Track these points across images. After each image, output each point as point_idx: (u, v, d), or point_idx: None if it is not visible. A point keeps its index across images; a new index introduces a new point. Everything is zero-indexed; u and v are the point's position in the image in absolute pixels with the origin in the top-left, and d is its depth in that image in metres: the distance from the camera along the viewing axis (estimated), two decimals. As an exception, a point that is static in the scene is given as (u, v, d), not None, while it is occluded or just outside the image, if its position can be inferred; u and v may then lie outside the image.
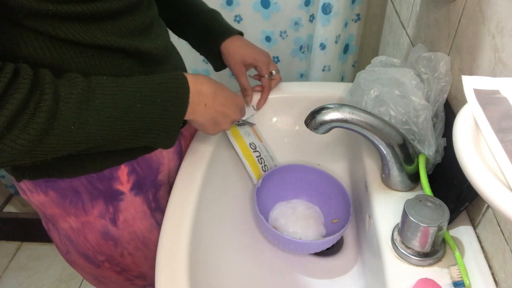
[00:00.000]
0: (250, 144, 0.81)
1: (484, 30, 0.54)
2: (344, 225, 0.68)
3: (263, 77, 0.84)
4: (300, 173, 0.80)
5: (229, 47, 0.80)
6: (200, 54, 0.86)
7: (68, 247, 0.70)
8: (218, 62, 0.84)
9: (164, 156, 0.70)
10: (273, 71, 0.84)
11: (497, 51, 0.51)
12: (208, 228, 0.69)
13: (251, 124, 0.84)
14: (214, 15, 0.82)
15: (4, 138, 0.43)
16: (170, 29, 0.81)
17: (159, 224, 0.72)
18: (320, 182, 0.79)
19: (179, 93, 0.57)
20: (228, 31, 0.80)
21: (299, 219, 0.76)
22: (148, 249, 0.72)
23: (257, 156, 0.81)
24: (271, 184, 0.78)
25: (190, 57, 1.33)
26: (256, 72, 0.86)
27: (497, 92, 0.43)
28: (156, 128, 0.56)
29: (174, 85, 0.57)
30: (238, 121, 0.82)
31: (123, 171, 0.64)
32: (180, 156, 0.75)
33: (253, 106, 0.86)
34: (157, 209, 0.72)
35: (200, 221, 0.66)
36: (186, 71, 0.73)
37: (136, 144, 0.56)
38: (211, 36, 0.80)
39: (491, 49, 0.52)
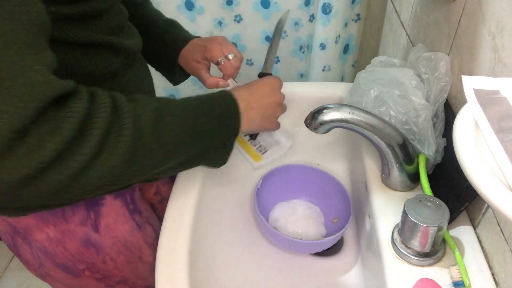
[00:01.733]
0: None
1: (484, 30, 0.54)
2: (344, 225, 0.68)
3: (217, 63, 0.75)
4: (300, 173, 0.80)
5: (183, 54, 0.78)
6: (157, 69, 0.84)
7: (42, 261, 0.67)
8: (177, 75, 0.82)
9: None
10: (229, 55, 0.74)
11: (497, 51, 0.50)
12: (208, 229, 0.69)
13: None
14: (168, 27, 0.80)
15: (95, 161, 0.42)
16: None
17: (139, 226, 0.71)
18: (320, 182, 0.79)
19: (229, 105, 0.59)
20: (183, 41, 0.78)
21: (299, 219, 0.76)
22: (130, 253, 0.71)
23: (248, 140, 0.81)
24: (271, 184, 0.78)
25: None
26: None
27: (497, 92, 0.43)
28: (215, 143, 0.58)
29: (221, 98, 0.59)
30: None
31: None
32: None
33: (234, 80, 0.79)
34: (135, 211, 0.71)
35: (200, 222, 0.66)
36: (150, 73, 0.74)
37: (197, 164, 0.59)
38: (168, 51, 0.79)
39: (491, 49, 0.52)
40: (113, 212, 0.67)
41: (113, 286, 0.72)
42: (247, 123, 0.62)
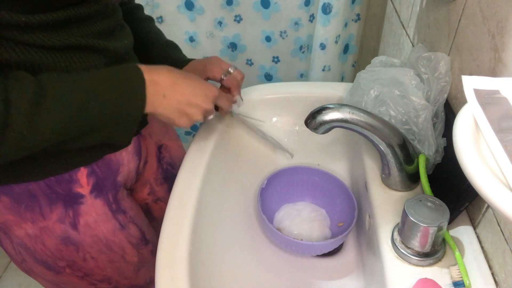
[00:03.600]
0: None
1: (484, 30, 0.54)
2: (348, 228, 0.68)
3: (221, 80, 0.76)
4: (306, 175, 0.80)
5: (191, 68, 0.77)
6: None
7: (24, 256, 0.67)
8: None
9: (123, 156, 0.68)
10: (229, 69, 0.76)
11: (497, 51, 0.50)
12: (209, 228, 0.69)
13: (242, 118, 0.79)
14: (169, 49, 0.80)
15: None
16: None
17: (122, 226, 0.70)
18: (326, 184, 0.79)
19: (134, 86, 0.56)
20: (182, 62, 0.78)
21: (304, 221, 0.76)
22: (112, 252, 0.70)
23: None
24: (276, 186, 0.78)
25: (190, 56, 1.33)
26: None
27: (497, 92, 0.43)
28: (113, 124, 0.55)
29: (128, 78, 0.55)
30: (231, 114, 0.79)
31: (82, 173, 0.62)
32: (140, 157, 0.73)
33: (240, 97, 0.79)
34: (119, 211, 0.70)
35: (201, 222, 0.66)
36: None
37: (92, 143, 0.55)
38: None
39: (491, 49, 0.52)
40: (93, 211, 0.66)
41: (96, 284, 0.72)
42: (151, 107, 0.58)
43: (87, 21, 0.55)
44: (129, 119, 0.56)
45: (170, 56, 0.79)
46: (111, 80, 0.54)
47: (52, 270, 0.68)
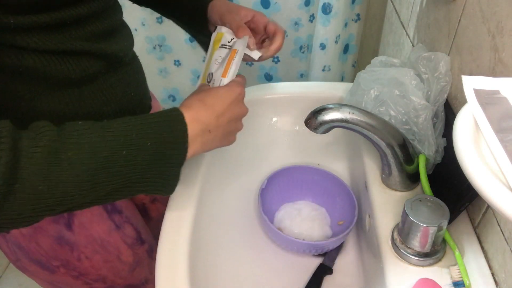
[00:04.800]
0: (209, 74, 0.65)
1: (484, 30, 0.54)
2: (349, 227, 0.68)
3: (267, 25, 0.68)
4: (306, 174, 0.80)
5: (217, 2, 0.69)
6: (185, 28, 0.76)
7: (18, 255, 0.66)
8: (204, 28, 0.71)
9: None
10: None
11: (497, 51, 0.50)
12: (209, 229, 0.69)
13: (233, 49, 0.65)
14: None
15: None
16: (155, 9, 0.76)
17: (117, 226, 0.70)
18: (326, 184, 0.79)
19: (174, 132, 0.50)
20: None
21: (304, 220, 0.76)
22: (107, 252, 0.69)
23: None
24: (277, 185, 0.78)
25: (190, 57, 1.33)
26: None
27: (497, 92, 0.43)
28: (150, 175, 0.49)
29: (167, 123, 0.50)
30: (227, 44, 0.66)
31: None
32: None
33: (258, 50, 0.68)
34: (114, 211, 0.69)
35: (201, 222, 0.66)
36: (145, 77, 0.69)
37: (129, 195, 0.50)
38: (198, 7, 0.70)
39: (491, 49, 0.52)
40: (88, 211, 0.65)
41: (91, 284, 0.72)
42: (199, 148, 0.53)
43: (85, 22, 0.52)
44: (170, 170, 0.50)
45: None
46: (146, 127, 0.48)
47: (47, 270, 0.68)
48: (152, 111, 0.73)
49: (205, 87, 0.61)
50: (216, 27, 0.68)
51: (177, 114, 0.51)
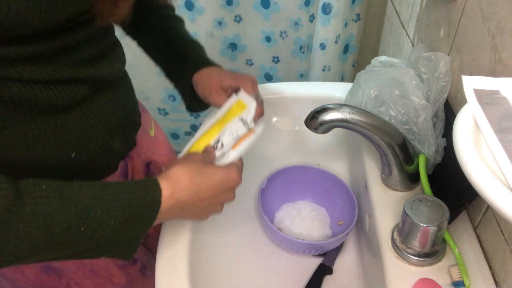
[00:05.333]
0: (218, 139, 0.62)
1: (484, 30, 0.54)
2: (349, 227, 0.68)
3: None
4: (306, 174, 0.80)
5: (203, 75, 0.69)
6: (174, 86, 0.77)
7: (4, 284, 0.63)
8: (189, 96, 0.72)
9: (108, 180, 0.63)
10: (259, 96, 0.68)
11: (497, 51, 0.50)
12: (209, 229, 0.69)
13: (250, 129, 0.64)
14: (193, 45, 0.74)
15: None
16: (146, 52, 0.76)
17: None
18: (326, 183, 0.79)
19: (144, 212, 0.47)
20: (204, 62, 0.71)
21: (304, 220, 0.76)
22: (97, 276, 0.66)
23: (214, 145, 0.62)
24: (277, 185, 0.78)
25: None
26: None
27: (497, 92, 0.43)
28: (107, 247, 0.47)
29: (139, 201, 0.47)
30: (246, 122, 0.64)
31: None
32: (126, 178, 0.68)
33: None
34: None
35: (201, 222, 0.66)
36: (134, 93, 0.67)
37: (82, 259, 0.49)
38: (185, 65, 0.71)
39: (491, 49, 0.52)
40: None
41: None
42: (162, 220, 0.51)
43: (73, 49, 0.49)
44: (130, 242, 0.49)
45: (193, 51, 0.73)
46: (114, 204, 0.45)
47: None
48: (142, 125, 0.70)
49: (206, 159, 0.58)
50: (239, 89, 0.66)
51: (154, 192, 0.48)
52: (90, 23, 0.50)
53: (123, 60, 0.62)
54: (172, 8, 0.78)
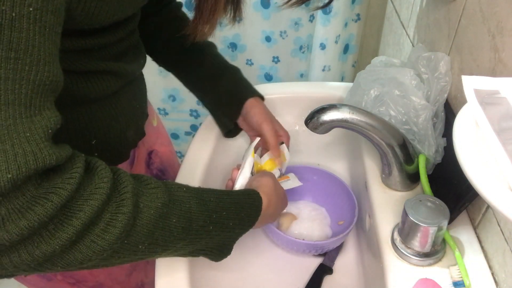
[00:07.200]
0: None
1: (484, 30, 0.54)
2: (349, 227, 0.68)
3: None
4: (306, 174, 0.80)
5: (256, 104, 0.75)
6: (212, 114, 0.80)
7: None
8: (230, 122, 0.77)
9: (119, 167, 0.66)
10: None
11: (497, 51, 0.50)
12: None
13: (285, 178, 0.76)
14: (236, 74, 0.77)
15: (74, 247, 0.37)
16: (185, 85, 0.79)
17: None
18: (326, 184, 0.79)
19: (251, 216, 0.55)
20: (253, 90, 0.77)
21: (304, 220, 0.76)
22: None
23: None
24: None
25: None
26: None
27: (497, 92, 0.43)
28: (217, 245, 0.54)
29: (250, 206, 0.55)
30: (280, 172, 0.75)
31: None
32: (132, 166, 0.72)
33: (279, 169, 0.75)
34: None
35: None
36: (146, 85, 0.70)
37: (192, 256, 0.54)
38: (235, 96, 0.75)
39: (491, 49, 0.52)
40: None
41: None
42: (257, 223, 0.58)
43: (112, 44, 0.54)
44: (228, 242, 0.55)
45: (241, 84, 0.77)
46: (234, 207, 0.53)
47: (43, 277, 0.67)
48: (148, 116, 0.73)
49: (279, 183, 0.66)
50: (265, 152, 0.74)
51: (258, 200, 0.57)
52: (129, 21, 0.55)
53: (145, 58, 0.67)
54: (213, 45, 0.79)
